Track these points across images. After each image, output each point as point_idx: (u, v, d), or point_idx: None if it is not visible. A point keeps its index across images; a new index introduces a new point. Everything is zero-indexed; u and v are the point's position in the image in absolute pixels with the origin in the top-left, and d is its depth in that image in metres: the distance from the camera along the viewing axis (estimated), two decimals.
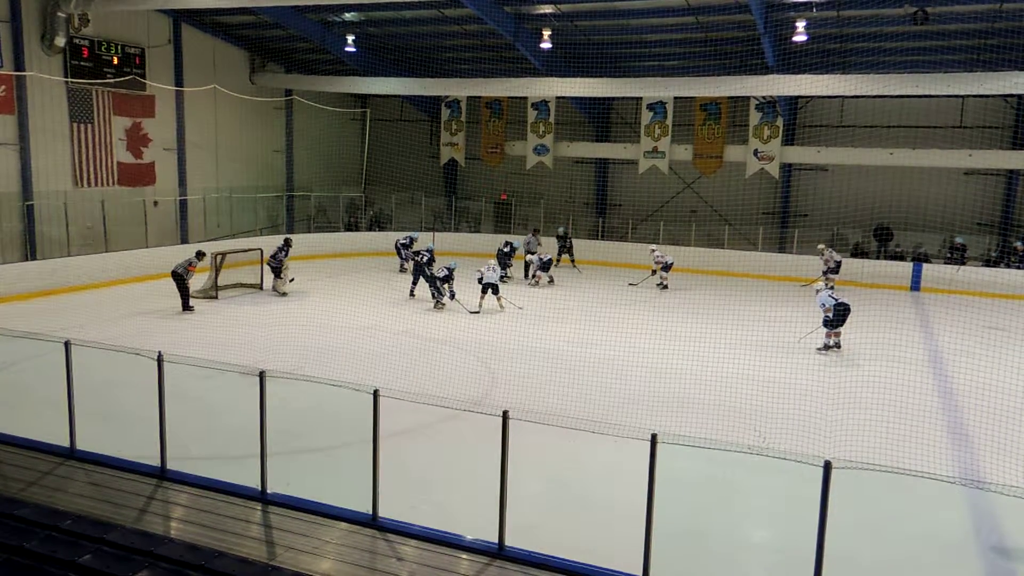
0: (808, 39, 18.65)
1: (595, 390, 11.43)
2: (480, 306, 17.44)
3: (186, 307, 16.69)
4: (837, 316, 14.33)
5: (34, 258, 19.11)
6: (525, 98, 26.62)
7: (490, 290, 17.45)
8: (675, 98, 24.92)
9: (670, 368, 12.63)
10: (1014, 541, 7.34)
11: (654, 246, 21.82)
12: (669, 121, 25.33)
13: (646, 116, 25.63)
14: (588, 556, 6.36)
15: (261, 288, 19.21)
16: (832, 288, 15.19)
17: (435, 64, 25.71)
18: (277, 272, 18.82)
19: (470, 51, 25.37)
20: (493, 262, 18.45)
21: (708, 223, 25.29)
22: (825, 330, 14.54)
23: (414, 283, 18.72)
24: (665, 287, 20.72)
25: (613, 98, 26.15)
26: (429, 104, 29.12)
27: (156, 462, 7.84)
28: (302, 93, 26.90)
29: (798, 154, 24.47)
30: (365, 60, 25.57)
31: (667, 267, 20.77)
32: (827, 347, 14.50)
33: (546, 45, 21.31)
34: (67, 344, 8.21)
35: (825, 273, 20.35)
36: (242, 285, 19.24)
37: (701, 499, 8.12)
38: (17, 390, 10.95)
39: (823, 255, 21.00)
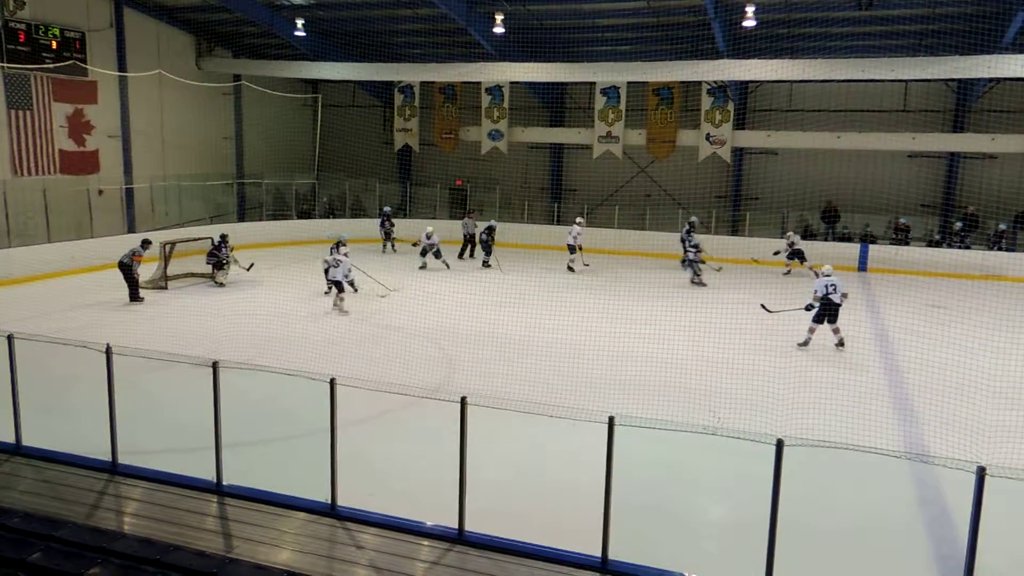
0: (757, 24, 18.90)
1: (553, 374, 11.50)
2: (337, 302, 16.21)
3: (134, 298, 16.30)
4: (821, 309, 13.42)
5: None
6: (479, 83, 26.47)
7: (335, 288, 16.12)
8: (628, 83, 25.05)
9: (626, 351, 12.78)
10: (956, 511, 7.61)
11: (580, 223, 21.73)
12: (623, 106, 25.46)
13: (600, 101, 25.72)
14: (548, 538, 6.43)
15: (212, 278, 18.85)
16: (829, 278, 13.58)
17: (387, 49, 25.38)
18: (218, 266, 18.46)
19: (422, 35, 25.12)
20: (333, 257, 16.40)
21: (662, 207, 25.55)
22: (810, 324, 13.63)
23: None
24: (572, 270, 21.18)
25: (567, 83, 26.18)
26: (382, 89, 28.78)
27: (107, 456, 7.68)
28: (251, 78, 26.34)
29: (749, 138, 24.86)
30: (315, 44, 25.15)
31: (572, 248, 21.19)
32: (807, 343, 13.61)
33: (499, 30, 21.22)
34: (10, 338, 7.97)
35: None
36: (192, 275, 18.85)
37: (658, 479, 8.26)
38: None
39: (789, 239, 21.42)
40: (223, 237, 18.85)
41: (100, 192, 22.06)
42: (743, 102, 24.90)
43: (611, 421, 6.11)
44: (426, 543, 6.53)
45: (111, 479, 7.53)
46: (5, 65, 19.60)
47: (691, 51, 21.80)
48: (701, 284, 19.30)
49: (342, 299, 16.05)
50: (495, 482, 7.91)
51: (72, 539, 5.70)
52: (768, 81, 23.04)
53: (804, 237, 22.89)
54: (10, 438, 8.06)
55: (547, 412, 7.05)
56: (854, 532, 7.30)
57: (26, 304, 15.73)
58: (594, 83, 25.44)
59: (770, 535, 5.76)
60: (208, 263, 18.54)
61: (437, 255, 21.03)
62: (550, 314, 15.40)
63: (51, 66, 20.63)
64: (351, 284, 16.89)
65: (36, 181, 20.38)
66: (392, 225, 24.36)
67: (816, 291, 13.47)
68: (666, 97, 25.21)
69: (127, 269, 16.20)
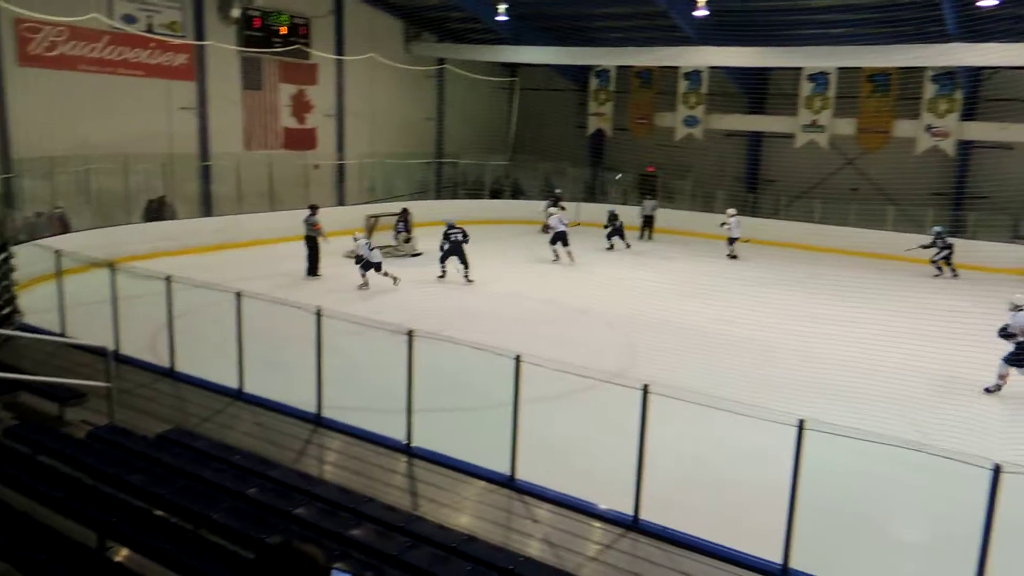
0: (998, 3, 16.94)
1: (738, 369, 11.11)
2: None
3: (312, 272, 16.91)
4: (1017, 352, 10.83)
5: (210, 215, 20.74)
6: (676, 68, 25.85)
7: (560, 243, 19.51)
8: (839, 69, 23.40)
9: (819, 353, 12.08)
10: None
11: (733, 214, 21.45)
12: (831, 93, 23.85)
13: (806, 87, 24.25)
14: (722, 536, 6.26)
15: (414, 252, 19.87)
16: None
17: (585, 32, 25.42)
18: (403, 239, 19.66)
19: (622, 19, 24.89)
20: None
21: (870, 202, 23.72)
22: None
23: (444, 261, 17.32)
24: (735, 257, 21.07)
25: (770, 69, 24.92)
26: (578, 73, 28.87)
27: (312, 409, 8.40)
28: (453, 62, 27.43)
29: (979, 130, 22.37)
30: (515, 28, 25.67)
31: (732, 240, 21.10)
32: (999, 388, 11.01)
33: (701, 13, 20.48)
34: (238, 295, 8.89)
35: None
36: (394, 247, 20.03)
37: (850, 491, 7.76)
38: (192, 335, 11.96)
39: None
40: (404, 211, 19.92)
41: (316, 167, 23.98)
42: (974, 90, 22.46)
43: (801, 424, 5.83)
44: (599, 525, 6.57)
45: (315, 430, 8.25)
46: (242, 49, 21.76)
47: (915, 34, 19.95)
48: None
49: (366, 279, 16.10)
50: (672, 473, 7.79)
51: (282, 479, 6.31)
52: (1006, 68, 20.63)
53: None
54: (234, 384, 9.03)
55: (731, 408, 6.83)
56: None
57: (249, 266, 17.47)
58: (800, 69, 24.00)
59: (979, 567, 5.25)
60: (397, 232, 19.78)
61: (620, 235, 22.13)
62: (737, 308, 14.87)
63: (280, 50, 22.64)
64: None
65: (263, 155, 22.53)
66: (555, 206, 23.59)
67: (1009, 326, 10.92)
68: (882, 84, 23.31)
69: (313, 242, 16.99)
